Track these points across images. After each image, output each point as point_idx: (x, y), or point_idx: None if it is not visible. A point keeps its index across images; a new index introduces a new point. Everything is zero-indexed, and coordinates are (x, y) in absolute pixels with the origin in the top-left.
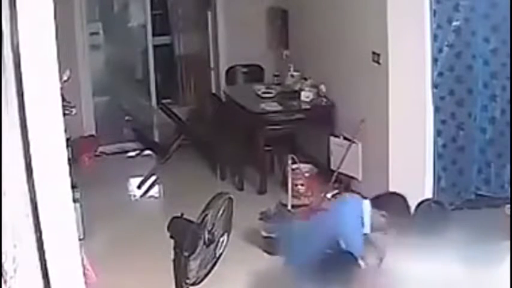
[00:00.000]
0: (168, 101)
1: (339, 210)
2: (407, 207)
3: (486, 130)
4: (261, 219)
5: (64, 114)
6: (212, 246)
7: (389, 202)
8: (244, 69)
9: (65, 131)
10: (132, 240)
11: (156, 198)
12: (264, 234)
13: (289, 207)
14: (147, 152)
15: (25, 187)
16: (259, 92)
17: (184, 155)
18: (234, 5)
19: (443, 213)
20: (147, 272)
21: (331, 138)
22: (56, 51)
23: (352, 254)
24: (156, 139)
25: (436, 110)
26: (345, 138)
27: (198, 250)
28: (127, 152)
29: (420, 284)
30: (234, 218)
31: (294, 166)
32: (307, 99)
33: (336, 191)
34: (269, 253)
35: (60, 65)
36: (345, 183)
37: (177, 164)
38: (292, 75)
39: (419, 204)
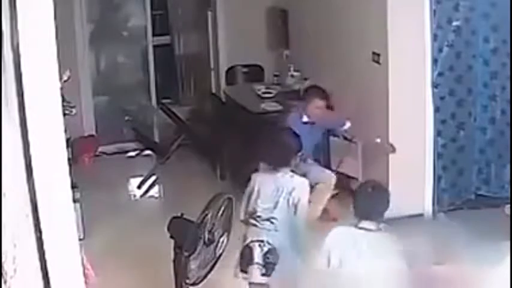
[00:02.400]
0: (168, 101)
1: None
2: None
3: (486, 130)
4: None
5: (64, 114)
6: (212, 246)
7: None
8: (244, 69)
9: (65, 131)
10: (132, 240)
11: (156, 198)
12: None
13: None
14: (147, 152)
15: (25, 187)
16: (259, 92)
17: (184, 155)
18: (234, 5)
19: (384, 196)
20: (147, 272)
21: (331, 138)
22: (56, 51)
23: None
24: (156, 139)
25: (436, 110)
26: (345, 138)
27: (198, 250)
28: (127, 152)
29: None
30: (234, 218)
31: None
32: None
33: (335, 191)
34: None
35: (60, 65)
36: (345, 183)
37: (177, 164)
38: (292, 75)
39: (359, 186)
